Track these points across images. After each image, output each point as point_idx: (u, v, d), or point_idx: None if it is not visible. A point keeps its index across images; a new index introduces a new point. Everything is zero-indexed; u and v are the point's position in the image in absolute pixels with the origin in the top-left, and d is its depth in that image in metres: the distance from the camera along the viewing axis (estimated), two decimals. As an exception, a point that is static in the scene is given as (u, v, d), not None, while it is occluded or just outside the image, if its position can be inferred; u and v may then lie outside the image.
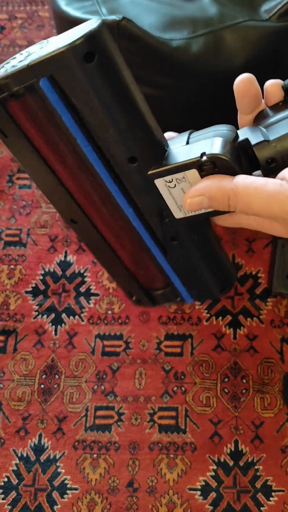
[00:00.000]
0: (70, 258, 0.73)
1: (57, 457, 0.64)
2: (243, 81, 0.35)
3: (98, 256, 0.44)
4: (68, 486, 0.63)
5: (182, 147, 0.33)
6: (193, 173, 0.32)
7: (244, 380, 0.66)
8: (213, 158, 0.31)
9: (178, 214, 0.35)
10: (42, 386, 0.67)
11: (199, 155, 0.31)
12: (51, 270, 0.73)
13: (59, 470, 0.64)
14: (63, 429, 0.65)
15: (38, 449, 0.65)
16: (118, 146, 0.31)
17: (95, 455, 0.64)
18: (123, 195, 0.35)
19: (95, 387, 0.67)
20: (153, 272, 0.43)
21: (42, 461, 0.64)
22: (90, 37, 0.27)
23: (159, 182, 0.33)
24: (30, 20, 0.90)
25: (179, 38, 0.56)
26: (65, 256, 0.74)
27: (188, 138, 0.34)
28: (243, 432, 0.64)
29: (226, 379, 0.66)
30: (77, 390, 0.67)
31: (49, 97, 0.30)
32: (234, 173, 0.31)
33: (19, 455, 0.65)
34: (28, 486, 0.63)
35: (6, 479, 0.64)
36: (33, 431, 0.65)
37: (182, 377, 0.67)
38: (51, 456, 0.64)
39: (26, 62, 0.29)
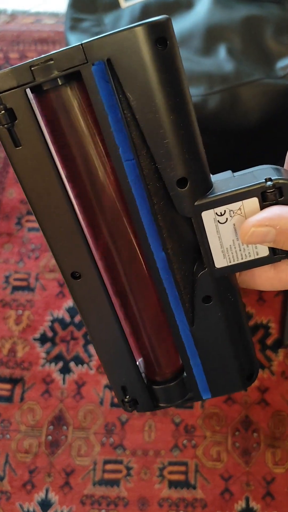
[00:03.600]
0: (79, 304, 0.73)
1: (64, 513, 0.63)
2: None
3: (94, 330, 0.32)
4: None
5: (230, 178, 0.28)
6: (253, 202, 0.27)
7: (255, 434, 0.65)
8: (280, 184, 0.26)
9: (220, 262, 0.29)
10: (50, 437, 0.66)
11: (261, 180, 0.26)
12: (60, 316, 0.72)
13: (66, 526, 0.62)
14: (71, 483, 0.64)
15: (45, 504, 0.63)
16: (170, 162, 0.26)
17: (103, 511, 0.63)
18: (158, 234, 0.28)
19: (104, 439, 0.66)
20: (167, 353, 0.33)
21: (48, 517, 0.63)
22: (165, 21, 0.24)
23: (207, 216, 0.27)
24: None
25: (196, 95, 0.56)
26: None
27: (232, 173, 0.29)
28: (254, 488, 0.63)
29: (237, 433, 0.65)
30: (85, 442, 0.65)
31: (99, 88, 0.24)
32: None
33: (26, 510, 0.63)
34: None
35: (11, 536, 0.62)
36: (40, 484, 0.64)
37: (192, 430, 0.66)
38: (58, 512, 0.63)
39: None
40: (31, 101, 0.25)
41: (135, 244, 0.29)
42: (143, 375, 0.34)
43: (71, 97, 0.26)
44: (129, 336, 0.33)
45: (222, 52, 0.58)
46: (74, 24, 0.64)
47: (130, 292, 0.31)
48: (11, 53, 0.91)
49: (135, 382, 0.33)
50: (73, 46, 0.24)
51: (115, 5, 0.64)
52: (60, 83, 0.25)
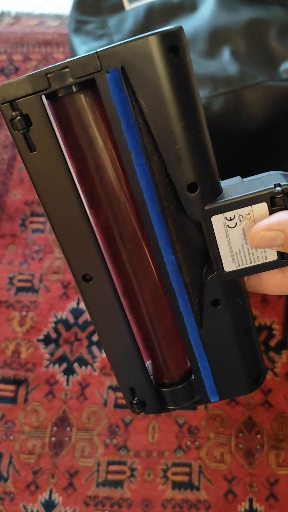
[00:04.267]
0: (83, 305, 0.73)
1: (68, 514, 0.63)
2: None
3: (103, 332, 0.32)
4: None
5: (239, 184, 0.29)
6: (262, 207, 0.27)
7: (258, 436, 0.65)
8: None
9: (229, 266, 0.29)
10: (53, 439, 0.66)
11: (270, 186, 0.27)
12: (63, 317, 0.72)
13: (70, 528, 0.62)
14: (74, 484, 0.64)
15: (49, 505, 0.63)
16: (181, 167, 0.26)
17: (106, 513, 0.63)
18: (168, 237, 0.28)
19: (107, 440, 0.66)
20: (176, 355, 0.33)
21: (52, 518, 0.63)
22: (178, 31, 0.24)
23: (217, 220, 0.28)
24: (45, 61, 0.90)
25: (200, 97, 0.56)
26: (78, 304, 0.73)
27: (241, 179, 0.30)
28: (258, 490, 0.63)
29: (241, 434, 0.65)
30: (89, 443, 0.66)
31: (113, 95, 0.25)
32: None
33: (29, 511, 0.63)
34: None
35: (15, 537, 0.62)
36: (44, 486, 0.64)
37: (196, 431, 0.66)
38: (62, 513, 0.63)
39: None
40: (46, 108, 0.26)
41: (145, 248, 0.30)
42: (151, 377, 0.34)
43: (85, 103, 0.26)
44: (138, 338, 0.33)
45: (226, 54, 0.58)
46: (79, 26, 0.64)
47: (140, 295, 0.31)
48: (15, 55, 0.92)
49: (144, 384, 0.33)
50: (88, 54, 0.25)
51: (119, 7, 0.64)
52: (74, 90, 0.26)
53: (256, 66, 0.58)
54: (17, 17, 0.97)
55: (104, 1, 0.65)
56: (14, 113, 0.25)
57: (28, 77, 0.25)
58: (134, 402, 0.34)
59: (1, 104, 0.25)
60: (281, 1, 0.61)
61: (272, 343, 0.69)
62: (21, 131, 0.26)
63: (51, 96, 0.26)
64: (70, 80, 0.25)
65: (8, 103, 0.25)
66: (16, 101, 0.25)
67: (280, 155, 0.64)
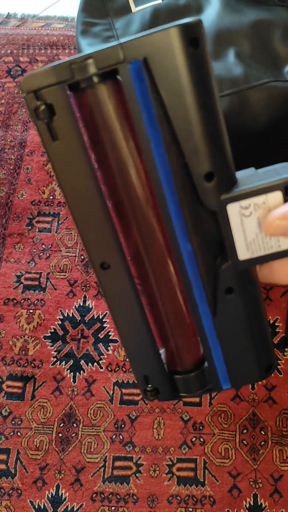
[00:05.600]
0: (89, 303, 0.74)
1: (75, 509, 0.64)
2: None
3: (119, 319, 0.33)
4: (86, 539, 0.62)
5: (254, 174, 0.29)
6: (276, 196, 0.28)
7: (262, 432, 0.66)
8: None
9: (243, 254, 0.30)
10: (60, 435, 0.67)
11: (285, 176, 0.27)
12: (70, 315, 0.73)
13: (76, 522, 0.63)
14: (81, 480, 0.65)
15: (56, 501, 0.64)
16: (198, 157, 0.27)
17: (113, 508, 0.63)
18: (185, 226, 0.29)
19: (114, 436, 0.66)
20: (190, 343, 0.34)
21: (59, 512, 0.64)
22: (197, 23, 0.25)
23: (233, 209, 0.28)
24: (51, 63, 0.91)
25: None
26: (84, 301, 0.74)
27: (255, 170, 0.30)
28: (262, 486, 0.64)
29: (245, 431, 0.66)
30: (95, 439, 0.66)
31: (135, 86, 0.25)
32: None
33: (36, 507, 0.64)
34: (45, 539, 0.63)
35: (22, 531, 0.63)
36: (51, 481, 0.65)
37: (201, 427, 0.66)
38: (69, 508, 0.64)
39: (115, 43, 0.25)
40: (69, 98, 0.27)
41: (162, 238, 0.30)
42: (165, 365, 0.35)
43: (106, 94, 0.27)
44: (153, 326, 0.34)
45: (231, 56, 0.59)
46: (86, 28, 0.65)
47: (155, 284, 0.32)
48: (21, 56, 0.93)
49: (158, 372, 0.34)
50: (112, 46, 0.25)
51: (126, 10, 0.65)
52: (96, 81, 0.27)
53: (260, 67, 0.59)
54: (23, 19, 0.98)
55: (110, 3, 0.66)
56: (38, 103, 0.26)
57: (52, 67, 0.26)
58: (148, 389, 0.35)
59: (26, 94, 0.26)
60: (285, 2, 0.62)
61: (275, 340, 0.70)
62: (44, 120, 0.26)
63: (73, 87, 0.27)
64: (94, 70, 0.26)
65: (32, 93, 0.26)
66: (41, 91, 0.26)
67: (285, 155, 0.65)
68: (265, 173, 0.29)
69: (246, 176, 0.29)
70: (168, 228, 0.29)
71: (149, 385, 0.35)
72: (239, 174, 0.30)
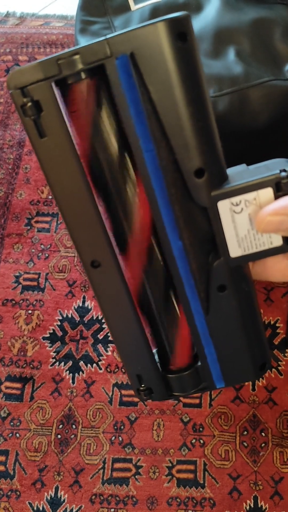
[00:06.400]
0: (88, 303, 0.73)
1: (74, 511, 0.63)
2: None
3: (111, 318, 0.33)
4: None
5: (245, 170, 0.29)
6: (267, 193, 0.28)
7: (263, 434, 0.65)
8: None
9: (235, 252, 0.29)
10: (59, 436, 0.66)
11: (276, 172, 0.27)
12: (69, 316, 0.73)
13: (75, 524, 0.63)
14: (80, 481, 0.64)
15: (55, 503, 0.64)
16: (188, 152, 0.26)
17: (112, 510, 0.63)
18: (175, 223, 0.29)
19: (113, 438, 0.66)
20: (182, 342, 0.34)
21: (58, 515, 0.63)
22: (185, 18, 0.25)
23: (223, 206, 0.28)
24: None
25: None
26: (83, 302, 0.73)
27: (247, 166, 0.30)
28: (263, 488, 0.63)
29: (245, 432, 0.66)
30: (94, 441, 0.66)
31: (122, 81, 0.25)
32: None
33: (35, 508, 0.63)
34: None
35: (21, 533, 0.63)
36: (50, 483, 0.65)
37: (201, 429, 0.66)
38: (68, 510, 0.63)
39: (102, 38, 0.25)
40: (56, 94, 0.26)
41: (152, 235, 0.30)
42: (158, 364, 0.35)
43: (94, 89, 0.27)
44: (145, 325, 0.33)
45: (231, 54, 0.59)
46: (85, 26, 0.65)
47: (146, 282, 0.32)
48: (20, 55, 0.92)
49: (151, 371, 0.34)
50: (98, 41, 0.25)
51: (125, 8, 0.65)
52: (83, 77, 0.26)
53: (261, 66, 0.59)
54: (22, 18, 0.98)
55: (109, 2, 0.66)
56: (25, 99, 0.26)
57: (39, 63, 0.25)
58: (141, 389, 0.34)
59: (13, 90, 0.26)
60: (286, 0, 0.61)
61: (276, 341, 0.70)
62: (32, 117, 0.26)
63: (60, 82, 0.26)
64: (81, 66, 0.25)
65: (19, 90, 0.26)
66: (28, 87, 0.26)
67: (285, 154, 0.65)
68: (256, 169, 0.29)
69: (237, 173, 0.29)
70: (158, 225, 0.29)
71: (142, 385, 0.34)
72: (230, 171, 0.29)
